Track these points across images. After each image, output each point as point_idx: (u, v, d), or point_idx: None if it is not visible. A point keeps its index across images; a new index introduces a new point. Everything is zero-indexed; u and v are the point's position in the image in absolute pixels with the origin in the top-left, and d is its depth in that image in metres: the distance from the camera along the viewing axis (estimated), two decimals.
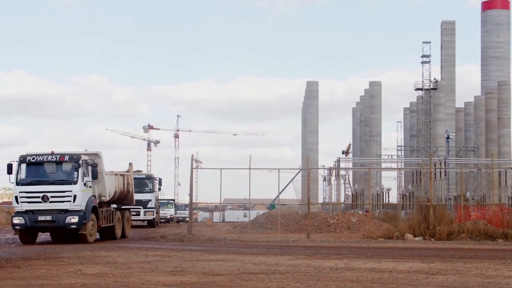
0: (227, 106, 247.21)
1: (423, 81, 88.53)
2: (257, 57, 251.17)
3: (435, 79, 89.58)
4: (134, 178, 42.15)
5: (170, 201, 73.17)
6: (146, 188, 46.45)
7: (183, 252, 23.18)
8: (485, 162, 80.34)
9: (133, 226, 44.69)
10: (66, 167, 28.51)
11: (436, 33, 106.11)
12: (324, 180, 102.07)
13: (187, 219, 74.04)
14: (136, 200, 40.19)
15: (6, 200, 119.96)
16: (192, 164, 37.51)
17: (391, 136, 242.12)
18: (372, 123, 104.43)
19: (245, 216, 75.70)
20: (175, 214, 72.61)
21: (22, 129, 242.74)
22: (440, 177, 72.11)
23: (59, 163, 28.56)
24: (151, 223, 47.34)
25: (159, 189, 49.15)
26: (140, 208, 45.33)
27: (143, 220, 48.25)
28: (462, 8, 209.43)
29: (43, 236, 32.64)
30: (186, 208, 78.36)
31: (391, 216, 47.26)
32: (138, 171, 46.04)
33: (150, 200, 46.56)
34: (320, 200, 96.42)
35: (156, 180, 48.65)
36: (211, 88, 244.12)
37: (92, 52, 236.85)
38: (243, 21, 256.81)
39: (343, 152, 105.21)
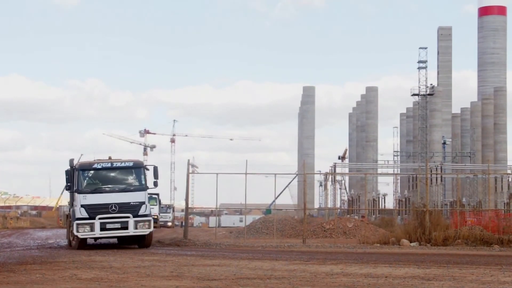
0: (224, 111, 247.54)
1: (419, 87, 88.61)
2: (254, 62, 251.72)
3: (431, 84, 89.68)
4: (109, 169, 27.99)
5: (153, 196, 54.80)
6: (135, 184, 28.02)
7: (179, 257, 23.14)
8: (481, 168, 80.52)
9: (104, 246, 30.51)
10: None
11: (432, 39, 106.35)
12: (320, 185, 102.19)
13: (169, 223, 71.11)
14: (118, 204, 27.27)
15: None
16: (188, 169, 37.51)
17: (388, 142, 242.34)
18: (368, 129, 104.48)
19: (241, 221, 75.29)
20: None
21: (20, 133, 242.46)
22: (436, 182, 72.10)
23: None
24: (146, 241, 28.50)
25: (155, 183, 28.49)
26: (128, 218, 27.27)
27: (132, 237, 28.62)
28: (458, 14, 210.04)
29: None
30: (168, 210, 73.47)
31: (387, 221, 47.33)
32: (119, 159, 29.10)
33: (143, 203, 27.65)
34: (316, 205, 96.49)
35: (148, 169, 28.72)
36: (208, 93, 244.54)
37: (90, 56, 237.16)
38: (241, 26, 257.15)
39: (339, 157, 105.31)
